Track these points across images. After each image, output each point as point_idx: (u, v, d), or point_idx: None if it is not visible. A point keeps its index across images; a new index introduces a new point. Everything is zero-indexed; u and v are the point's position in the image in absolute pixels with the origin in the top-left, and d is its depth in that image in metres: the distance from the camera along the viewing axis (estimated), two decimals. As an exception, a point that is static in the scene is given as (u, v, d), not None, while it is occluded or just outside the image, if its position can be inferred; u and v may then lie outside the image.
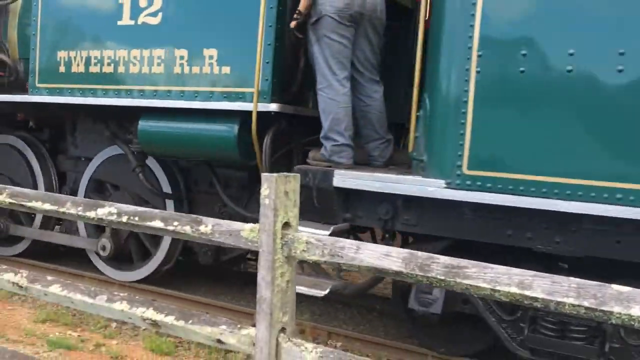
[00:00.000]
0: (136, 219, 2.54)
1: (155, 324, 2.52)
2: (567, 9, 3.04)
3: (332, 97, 3.97)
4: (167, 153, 4.87)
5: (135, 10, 4.59)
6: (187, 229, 2.42)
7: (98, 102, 4.81)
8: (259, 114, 4.05)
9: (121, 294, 2.70)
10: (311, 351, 2.17)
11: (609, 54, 2.93)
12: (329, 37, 3.93)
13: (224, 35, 4.24)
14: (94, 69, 4.83)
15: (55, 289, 2.79)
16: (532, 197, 3.13)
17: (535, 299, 1.75)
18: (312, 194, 3.80)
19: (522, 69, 3.15)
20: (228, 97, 4.23)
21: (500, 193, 3.21)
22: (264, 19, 4.01)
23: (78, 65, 4.92)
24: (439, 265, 1.92)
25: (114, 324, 4.56)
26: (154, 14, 4.51)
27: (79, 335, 4.30)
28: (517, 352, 3.56)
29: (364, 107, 4.19)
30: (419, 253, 2.00)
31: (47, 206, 2.77)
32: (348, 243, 2.12)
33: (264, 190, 2.21)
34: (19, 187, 2.95)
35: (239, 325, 2.39)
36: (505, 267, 1.86)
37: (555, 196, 3.08)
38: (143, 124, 4.66)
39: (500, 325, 3.58)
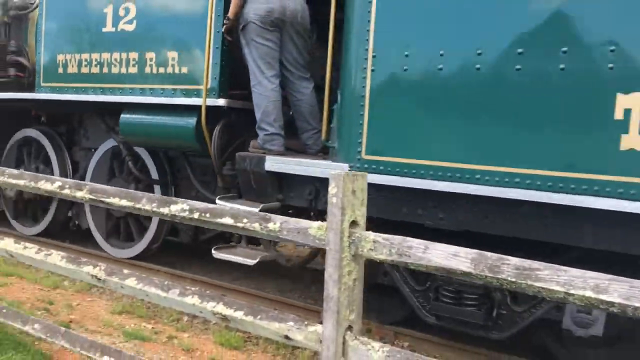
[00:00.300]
0: (207, 215, 2.61)
1: (225, 318, 2.58)
2: (436, 19, 3.58)
3: (262, 93, 4.51)
4: (143, 143, 5.51)
5: (116, 19, 5.33)
6: (256, 226, 2.46)
7: (87, 98, 5.59)
8: (210, 108, 4.66)
9: (192, 289, 2.78)
10: (378, 350, 2.16)
11: (471, 55, 3.39)
12: (255, 40, 4.49)
13: (183, 40, 4.92)
14: (84, 69, 5.63)
15: (131, 282, 2.90)
16: (415, 178, 3.64)
17: (612, 304, 1.68)
18: (250, 177, 4.47)
19: (405, 67, 3.67)
20: (187, 93, 4.87)
21: (390, 175, 3.73)
22: (212, 26, 4.64)
23: (73, 66, 5.72)
24: (510, 267, 1.88)
25: (185, 318, 4.69)
26: (130, 22, 5.23)
27: (152, 327, 4.45)
28: (425, 319, 4.02)
29: (296, 102, 4.74)
30: (488, 254, 1.96)
31: (124, 202, 2.88)
32: (416, 242, 2.10)
33: (332, 189, 2.22)
34: (98, 184, 3.07)
35: (306, 322, 2.42)
36: (579, 270, 1.80)
37: (432, 177, 3.56)
38: (123, 117, 5.34)
39: (412, 295, 4.03)
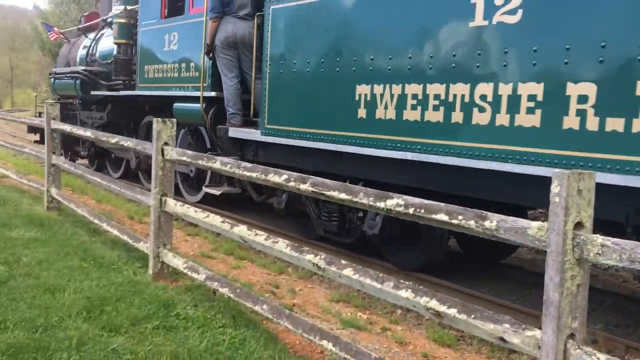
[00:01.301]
0: (422, 211, 2.62)
1: (437, 314, 2.58)
2: (297, 44, 5.97)
3: (226, 88, 7.17)
4: (183, 122, 7.93)
5: (169, 43, 8.52)
6: (472, 223, 2.41)
7: (152, 93, 8.85)
8: (205, 97, 7.53)
9: (406, 283, 2.81)
10: (604, 363, 1.99)
11: (318, 65, 5.72)
12: (220, 56, 7.19)
13: (197, 54, 7.71)
14: (157, 75, 8.74)
15: (348, 272, 3.03)
16: (296, 139, 5.94)
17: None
18: (222, 141, 7.21)
19: (281, 70, 6.15)
20: (197, 89, 7.67)
21: (286, 137, 6.09)
22: (204, 46, 7.45)
23: (151, 73, 8.93)
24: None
25: (399, 311, 4.76)
26: (175, 44, 8.40)
27: (367, 318, 4.59)
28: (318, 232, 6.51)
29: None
30: None
31: (343, 195, 3.02)
32: (652, 248, 1.90)
33: (554, 188, 2.09)
34: (319, 178, 3.26)
35: (523, 326, 2.31)
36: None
37: (300, 138, 5.91)
38: (174, 106, 8.15)
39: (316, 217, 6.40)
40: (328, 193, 3.10)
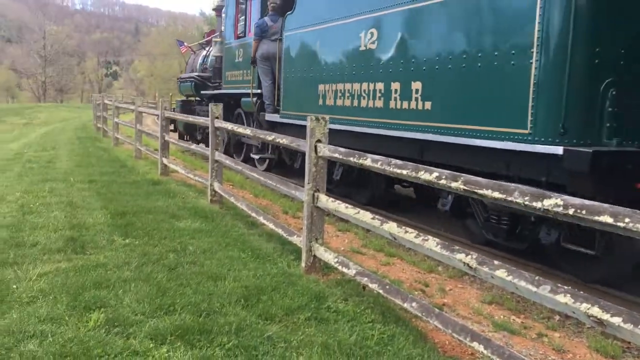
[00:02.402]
0: (583, 212, 2.46)
1: (600, 322, 2.40)
2: (298, 61, 9.27)
3: (264, 87, 10.41)
4: (246, 110, 11.63)
5: (239, 56, 12.01)
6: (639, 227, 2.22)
7: (230, 91, 12.27)
8: (255, 94, 10.87)
9: (564, 287, 2.66)
10: None
11: (306, 72, 8.91)
12: (260, 65, 10.38)
13: (250, 65, 11.03)
14: (229, 78, 12.42)
15: (501, 273, 2.92)
16: (294, 119, 9.11)
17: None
18: (262, 123, 10.47)
19: (293, 76, 9.32)
20: (249, 88, 11.08)
21: (291, 119, 9.29)
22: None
23: (228, 77, 12.50)
24: None
25: (557, 317, 4.51)
26: (240, 57, 11.90)
27: (522, 322, 4.40)
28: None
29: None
30: None
31: (496, 194, 2.92)
32: None
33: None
34: (472, 176, 3.17)
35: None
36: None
37: (301, 119, 8.41)
38: (242, 100, 11.58)
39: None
40: (480, 191, 3.02)
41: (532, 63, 5.01)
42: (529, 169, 5.27)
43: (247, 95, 11.09)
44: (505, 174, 5.43)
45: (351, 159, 4.33)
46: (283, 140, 5.65)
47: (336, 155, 4.52)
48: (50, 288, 4.13)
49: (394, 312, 4.00)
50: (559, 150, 4.77)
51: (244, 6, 11.66)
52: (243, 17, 11.69)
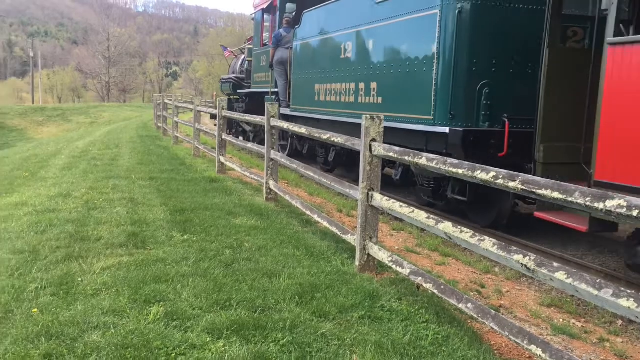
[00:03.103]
0: (648, 213, 2.37)
1: (665, 329, 2.31)
2: (302, 67, 12.06)
3: (279, 87, 13.15)
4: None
5: (261, 62, 15.05)
6: None
7: (256, 90, 15.35)
8: (273, 92, 13.61)
9: (628, 291, 2.57)
10: None
11: (308, 75, 11.66)
12: (276, 69, 13.15)
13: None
14: (258, 80, 15.18)
15: (561, 275, 2.85)
16: (300, 112, 12.01)
17: None
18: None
19: (298, 77, 12.12)
20: (269, 87, 13.99)
21: (298, 112, 12.12)
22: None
23: (256, 79, 15.39)
24: None
25: (619, 321, 4.37)
26: (264, 63, 14.52)
27: (582, 326, 4.28)
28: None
29: None
30: None
31: (556, 194, 2.85)
32: None
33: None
34: (530, 176, 3.11)
35: None
36: None
37: (307, 112, 11.65)
38: (265, 97, 13.90)
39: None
40: (539, 191, 2.95)
41: (434, 70, 7.24)
42: (435, 144, 7.41)
43: (267, 93, 14.02)
44: (424, 148, 7.49)
45: (406, 157, 4.31)
46: (338, 139, 5.67)
47: (391, 154, 4.51)
48: (113, 281, 4.28)
49: (448, 312, 3.96)
50: (446, 130, 7.03)
51: (268, 19, 14.78)
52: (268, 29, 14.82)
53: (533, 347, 3.04)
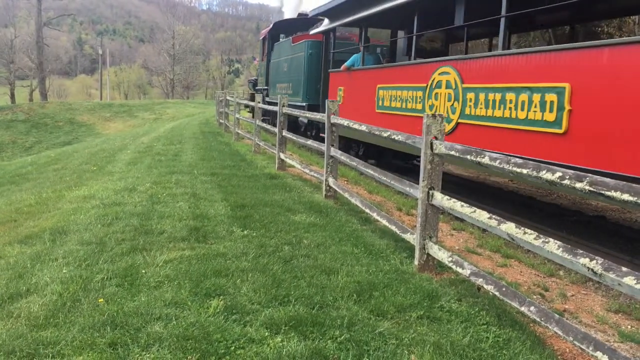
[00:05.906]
0: None
1: None
2: (274, 72, 21.35)
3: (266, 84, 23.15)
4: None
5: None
6: None
7: (257, 88, 24.27)
8: (264, 89, 22.81)
9: (703, 299, 2.45)
10: None
11: (278, 79, 20.30)
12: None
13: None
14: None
15: (629, 280, 2.74)
16: (274, 100, 20.08)
17: None
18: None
19: (272, 77, 21.96)
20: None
21: (273, 99, 20.60)
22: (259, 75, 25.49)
23: (261, 78, 24.40)
24: None
25: (692, 331, 4.16)
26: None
27: (652, 334, 4.10)
28: None
29: None
30: None
31: (626, 197, 2.74)
32: None
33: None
34: (598, 177, 3.00)
35: None
36: None
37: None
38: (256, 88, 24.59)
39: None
40: (608, 193, 2.84)
41: (304, 80, 16.31)
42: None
43: (266, 90, 21.76)
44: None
45: (468, 157, 4.23)
46: (399, 137, 5.63)
47: (452, 152, 4.44)
48: (175, 274, 4.39)
49: (510, 315, 3.87)
50: (304, 104, 16.04)
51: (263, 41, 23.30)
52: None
53: (599, 354, 2.93)
